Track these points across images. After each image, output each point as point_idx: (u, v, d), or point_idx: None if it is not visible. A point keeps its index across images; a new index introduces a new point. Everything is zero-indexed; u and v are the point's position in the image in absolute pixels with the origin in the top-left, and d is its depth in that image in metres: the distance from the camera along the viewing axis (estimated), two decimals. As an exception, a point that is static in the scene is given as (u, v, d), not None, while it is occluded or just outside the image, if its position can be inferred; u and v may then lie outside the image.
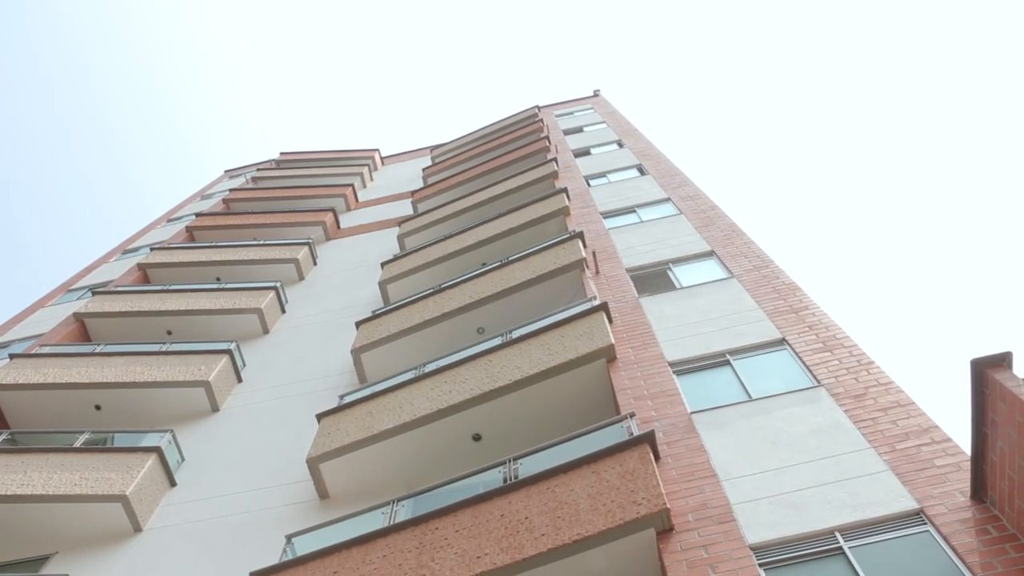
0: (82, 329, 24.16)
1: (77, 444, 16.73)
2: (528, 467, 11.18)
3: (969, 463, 9.07)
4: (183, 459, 17.01)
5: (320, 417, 15.40)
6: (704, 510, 9.62)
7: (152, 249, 30.52)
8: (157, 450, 16.10)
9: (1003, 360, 8.55)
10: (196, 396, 18.94)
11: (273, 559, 12.08)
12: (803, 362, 12.42)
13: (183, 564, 13.62)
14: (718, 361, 13.08)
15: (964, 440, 9.53)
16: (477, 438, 13.93)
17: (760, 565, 8.76)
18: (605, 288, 16.76)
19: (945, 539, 8.58)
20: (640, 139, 30.52)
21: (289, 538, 12.05)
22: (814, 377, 11.95)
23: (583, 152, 30.76)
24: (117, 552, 14.43)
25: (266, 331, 22.95)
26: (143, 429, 17.54)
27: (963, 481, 9.19)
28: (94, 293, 25.88)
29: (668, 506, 9.43)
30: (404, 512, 11.47)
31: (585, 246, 18.88)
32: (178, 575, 13.37)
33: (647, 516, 9.32)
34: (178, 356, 20.03)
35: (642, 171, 25.69)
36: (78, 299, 27.93)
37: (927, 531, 8.81)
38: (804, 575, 8.68)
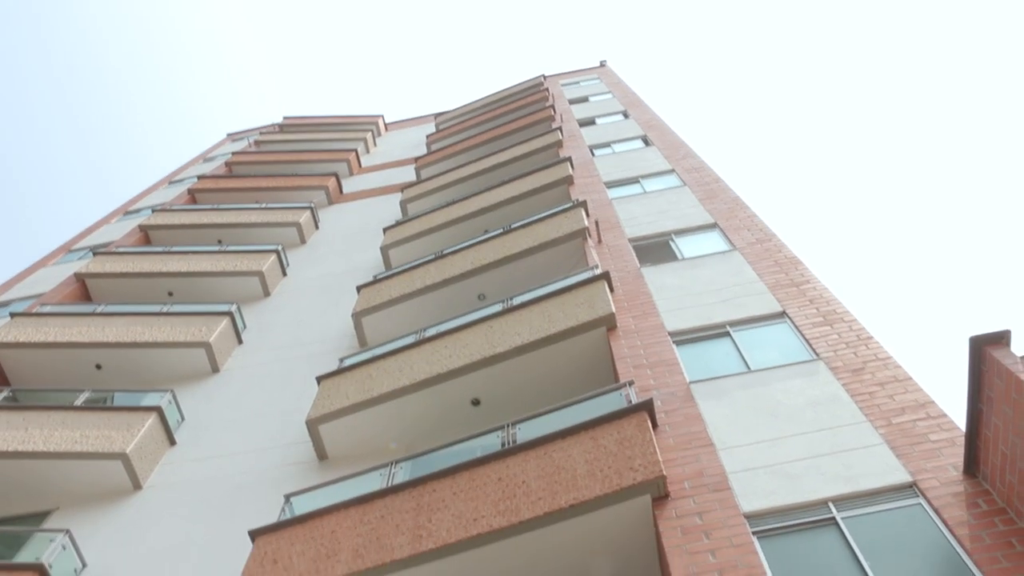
0: (83, 289, 24.21)
1: (78, 403, 16.83)
2: (526, 432, 11.26)
3: (963, 438, 9.14)
4: (183, 419, 17.11)
5: (320, 379, 15.48)
6: (700, 478, 9.70)
7: (154, 211, 30.49)
8: (157, 409, 16.19)
9: (1001, 338, 8.62)
10: (196, 357, 19.01)
11: (272, 518, 12.18)
12: (803, 335, 12.46)
13: (182, 522, 13.75)
14: (718, 332, 13.12)
15: (959, 416, 9.60)
16: (476, 403, 14.00)
17: (754, 533, 8.85)
18: (607, 257, 16.77)
19: (936, 512, 8.67)
20: (645, 110, 30.37)
21: (288, 498, 12.13)
22: (813, 350, 12.00)
23: (588, 122, 30.63)
24: (117, 509, 14.56)
25: (267, 294, 23.00)
26: (143, 389, 17.62)
27: (956, 456, 9.27)
28: (95, 254, 25.89)
29: (664, 473, 9.50)
30: (402, 474, 11.56)
31: (588, 215, 18.87)
32: (177, 532, 13.49)
33: (643, 483, 9.39)
34: (179, 317, 20.09)
35: (647, 142, 25.60)
36: (79, 259, 27.97)
37: (919, 504, 8.90)
38: (797, 544, 8.76)
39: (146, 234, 28.80)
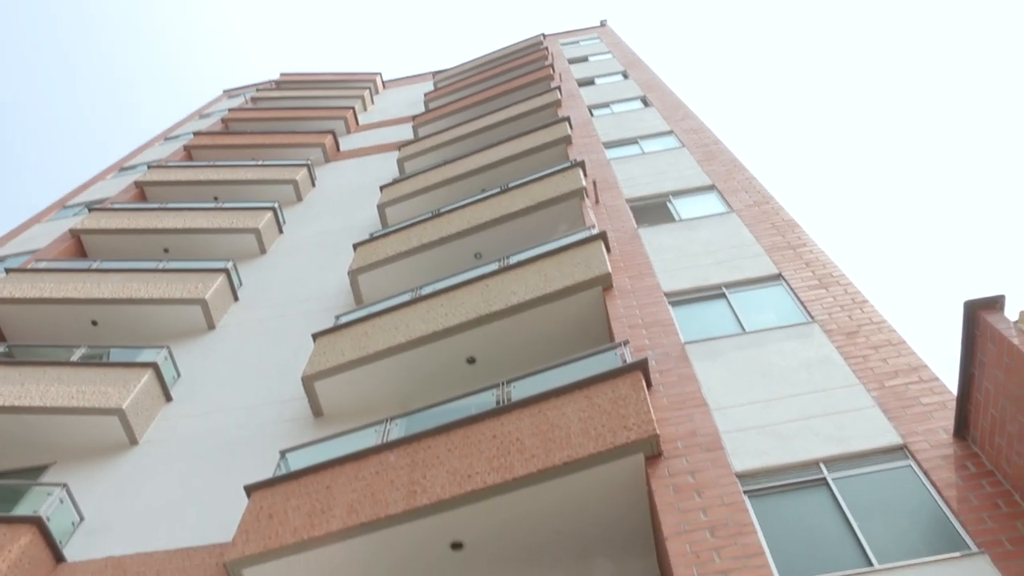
0: (78, 245, 24.14)
1: (74, 358, 16.86)
2: (521, 390, 11.31)
3: (954, 402, 9.21)
4: (179, 375, 17.15)
5: (316, 336, 15.51)
6: (693, 437, 9.77)
7: (149, 167, 30.29)
8: (153, 366, 16.21)
9: (995, 303, 8.67)
10: (192, 314, 19.01)
11: (267, 473, 12.27)
12: (798, 298, 12.49)
13: (178, 476, 13.84)
14: (714, 293, 13.14)
15: (951, 380, 9.66)
16: (471, 361, 14.03)
17: (745, 492, 8.94)
18: (604, 218, 16.74)
19: (926, 474, 8.77)
20: (645, 71, 30.11)
21: (283, 453, 12.21)
22: (808, 313, 12.03)
23: (587, 82, 30.37)
24: (114, 463, 14.64)
25: (263, 251, 22.95)
26: (139, 345, 17.63)
27: (947, 419, 9.35)
28: (90, 210, 25.76)
29: (658, 432, 9.57)
30: (397, 431, 11.62)
31: (586, 175, 18.79)
32: (173, 487, 13.58)
33: (637, 441, 9.46)
34: (175, 274, 20.03)
35: (646, 103, 25.42)
36: (74, 216, 27.83)
37: (909, 466, 8.99)
38: (788, 503, 8.86)
39: (142, 190, 28.64)
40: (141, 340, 18.75)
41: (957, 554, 7.76)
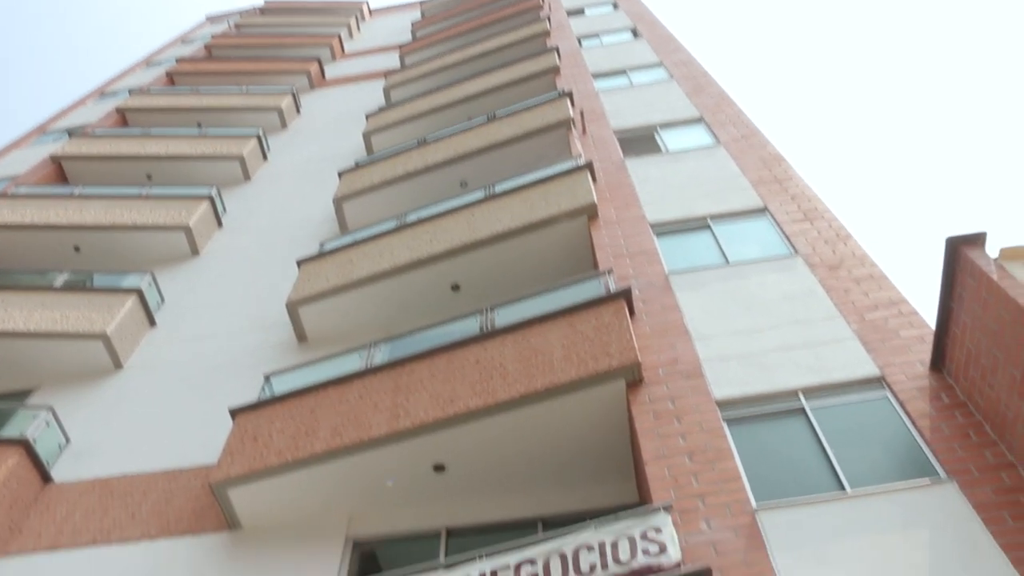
0: (59, 171, 23.83)
1: (57, 284, 16.77)
2: (505, 317, 11.37)
3: (932, 336, 9.32)
4: (163, 301, 17.14)
5: (300, 263, 15.49)
6: (674, 365, 9.88)
7: (131, 93, 29.80)
8: (137, 291, 16.19)
9: (977, 239, 8.78)
10: (176, 240, 18.92)
11: (252, 397, 12.34)
12: (783, 231, 12.53)
13: (163, 400, 13.92)
14: (699, 225, 13.16)
15: (931, 315, 9.76)
16: (456, 288, 14.06)
17: (724, 419, 9.07)
18: (591, 148, 16.66)
19: (901, 404, 8.92)
20: (636, 2, 29.66)
21: (268, 377, 12.28)
22: (792, 246, 12.08)
23: (577, 11, 29.91)
24: (99, 388, 14.69)
25: (247, 178, 22.76)
26: (123, 271, 17.56)
27: (925, 352, 9.48)
28: (71, 135, 25.37)
29: (639, 359, 9.67)
30: (381, 356, 11.69)
31: (573, 105, 18.64)
32: (158, 411, 13.67)
33: (618, 368, 9.56)
34: (158, 200, 19.88)
35: (636, 34, 25.10)
36: (54, 142, 27.37)
37: (885, 396, 9.14)
38: (765, 431, 9.01)
39: (123, 116, 28.22)
40: (124, 266, 18.65)
41: (927, 481, 7.94)
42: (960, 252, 8.78)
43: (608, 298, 10.64)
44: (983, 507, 7.54)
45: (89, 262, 19.17)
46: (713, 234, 12.79)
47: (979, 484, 7.78)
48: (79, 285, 16.95)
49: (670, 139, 16.63)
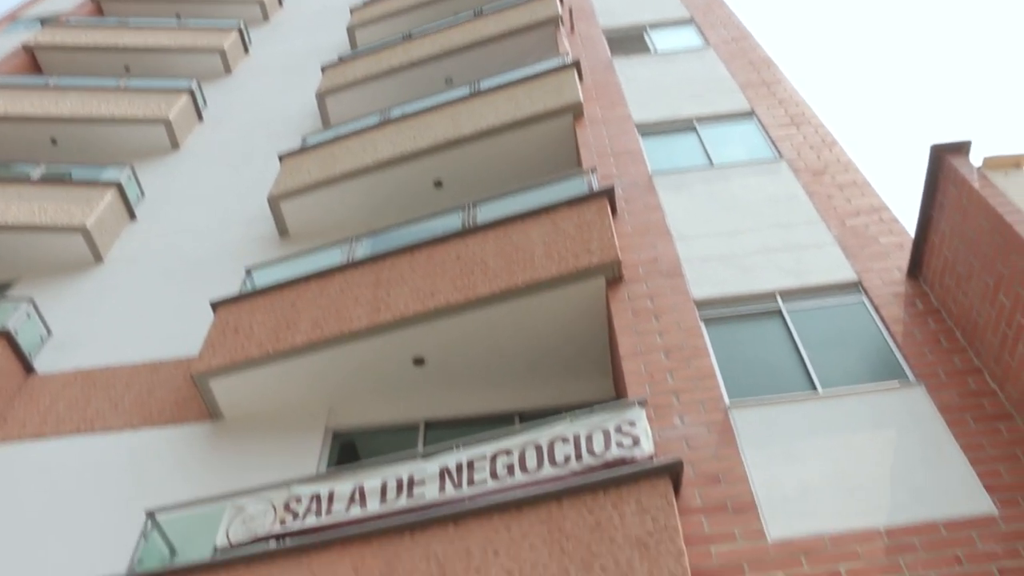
0: (32, 61, 23.16)
1: (34, 176, 16.49)
2: (487, 214, 11.34)
3: (911, 243, 9.39)
4: (143, 195, 16.94)
5: (282, 157, 15.33)
6: (654, 264, 9.91)
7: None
8: (117, 185, 15.98)
9: (961, 148, 8.78)
10: (156, 133, 18.61)
11: (233, 291, 12.32)
12: (769, 135, 12.46)
13: (144, 293, 13.89)
14: (684, 126, 13.05)
15: (912, 224, 9.82)
16: (439, 185, 13.98)
17: (702, 318, 9.16)
18: (579, 47, 16.39)
19: (876, 309, 9.02)
20: None
21: (249, 271, 12.25)
22: (777, 150, 12.03)
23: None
24: (79, 281, 14.62)
25: (228, 71, 22.31)
26: (101, 163, 17.29)
27: (903, 259, 9.55)
28: (44, 24, 24.60)
29: (620, 257, 9.70)
30: (363, 250, 11.66)
31: (562, 3, 18.27)
32: (140, 304, 13.65)
33: (599, 265, 9.60)
34: (137, 93, 19.48)
35: (627, -70, 24.34)
36: (26, 30, 26.49)
37: (861, 301, 9.23)
38: (742, 331, 9.11)
39: (98, 5, 27.35)
40: (103, 160, 18.34)
41: (896, 383, 8.10)
42: (944, 160, 8.79)
43: (591, 196, 10.61)
44: (948, 409, 7.72)
45: (67, 155, 18.84)
46: (699, 136, 12.70)
47: (946, 388, 7.95)
48: (57, 178, 16.66)
49: (659, 39, 16.35)
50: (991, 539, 6.67)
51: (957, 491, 7.05)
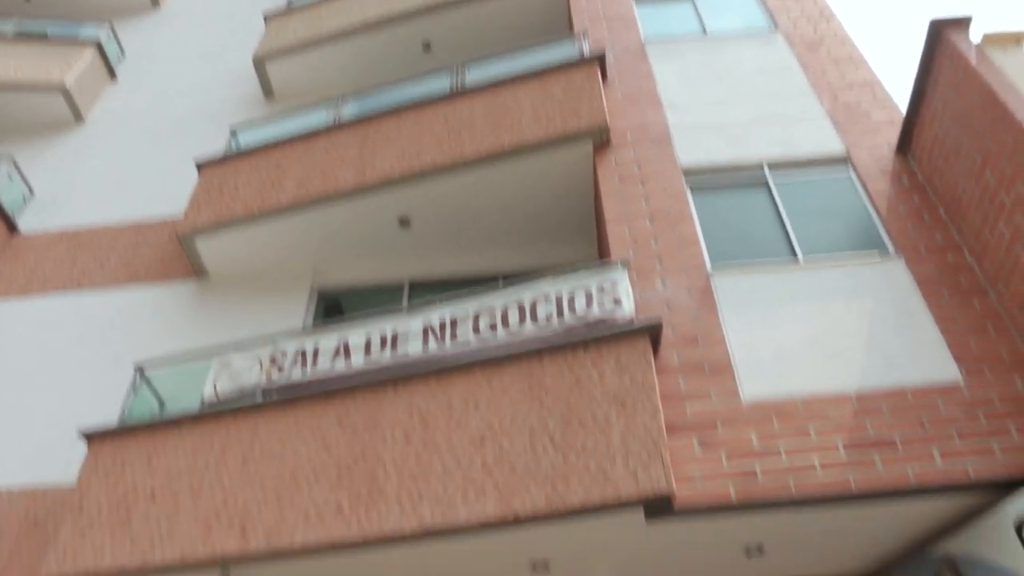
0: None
1: (8, 33, 15.97)
2: (476, 76, 11.13)
3: (903, 120, 9.31)
4: (124, 54, 16.54)
5: (268, 17, 14.92)
6: (643, 131, 9.82)
7: None
8: (96, 43, 15.58)
9: (961, 23, 8.62)
10: (136, -11, 18.01)
11: (218, 151, 12.19)
12: (765, 5, 12.16)
13: (127, 153, 13.74)
14: (679, -8, 12.72)
15: (904, 101, 9.71)
16: (427, 47, 13.70)
17: (688, 185, 9.15)
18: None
19: (862, 184, 9.02)
20: None
21: (234, 131, 12.08)
22: (773, 21, 11.77)
23: None
24: (60, 141, 14.42)
25: (208, -70, 21.36)
26: (78, 21, 16.76)
27: (893, 135, 9.48)
28: None
29: (608, 123, 9.61)
30: (349, 111, 11.49)
31: None
32: (123, 164, 13.51)
33: (587, 129, 9.52)
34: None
35: None
36: None
37: (848, 175, 9.21)
38: (727, 200, 9.10)
39: None
40: (79, 17, 17.73)
41: (876, 255, 8.18)
42: (942, 34, 8.63)
43: (581, 61, 10.41)
44: (925, 282, 7.82)
45: (41, 10, 18.20)
46: (693, 4, 12.36)
47: (925, 261, 8.03)
48: (33, 35, 16.16)
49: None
50: (954, 405, 6.88)
51: (927, 360, 7.22)
